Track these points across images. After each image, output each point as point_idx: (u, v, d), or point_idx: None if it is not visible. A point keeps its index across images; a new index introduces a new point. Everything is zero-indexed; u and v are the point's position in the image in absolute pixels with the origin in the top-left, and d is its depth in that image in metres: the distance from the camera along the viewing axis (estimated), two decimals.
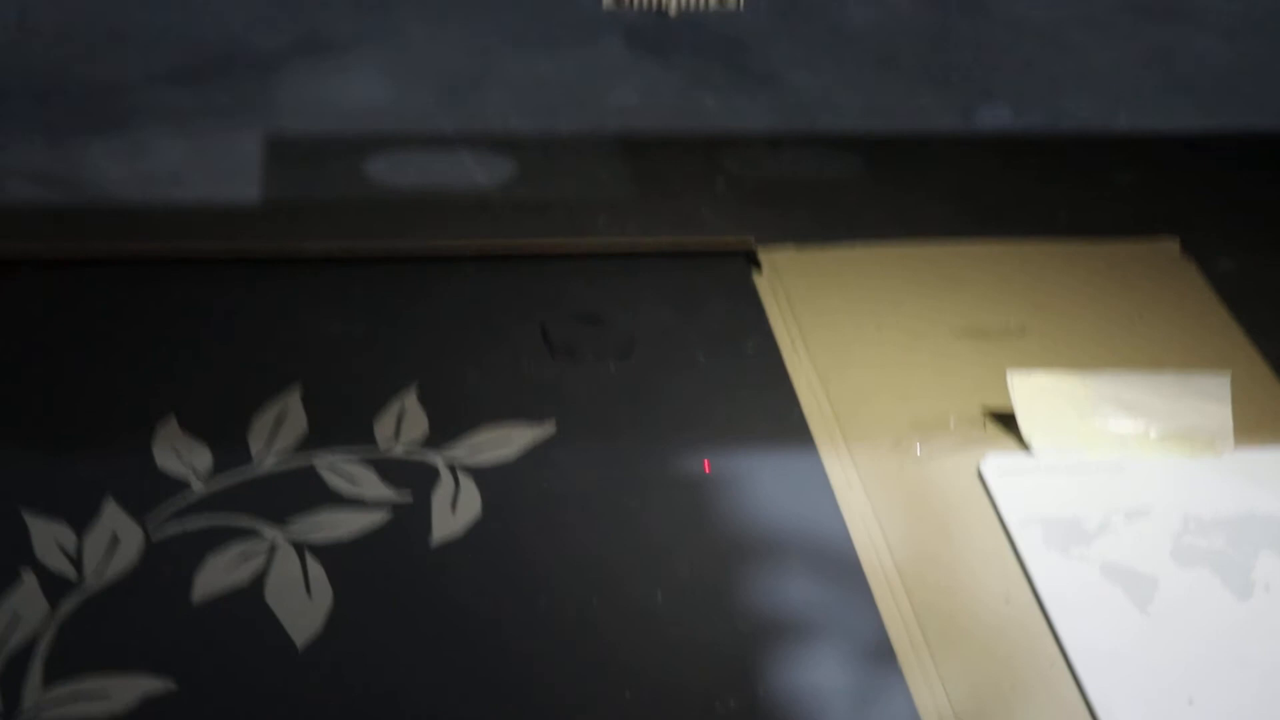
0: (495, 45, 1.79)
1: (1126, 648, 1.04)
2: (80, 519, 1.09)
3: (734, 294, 1.40)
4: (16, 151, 1.53)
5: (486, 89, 1.70)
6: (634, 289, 1.40)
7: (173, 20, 1.79)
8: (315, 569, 1.06)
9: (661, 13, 1.43)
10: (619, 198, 1.56)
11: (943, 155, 1.66)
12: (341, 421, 1.20)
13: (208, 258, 1.38)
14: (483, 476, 1.15)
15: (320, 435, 1.17)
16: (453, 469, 1.15)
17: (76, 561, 1.05)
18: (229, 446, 1.16)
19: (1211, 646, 1.04)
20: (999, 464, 1.19)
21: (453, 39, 1.79)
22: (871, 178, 1.61)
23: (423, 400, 1.22)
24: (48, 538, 1.07)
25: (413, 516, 1.11)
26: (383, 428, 1.19)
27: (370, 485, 1.14)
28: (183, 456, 1.14)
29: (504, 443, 1.18)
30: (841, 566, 1.10)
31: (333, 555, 1.07)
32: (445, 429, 1.19)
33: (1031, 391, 1.22)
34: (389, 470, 1.15)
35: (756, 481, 1.18)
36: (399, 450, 1.16)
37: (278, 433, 1.18)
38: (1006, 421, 1.22)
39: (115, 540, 1.08)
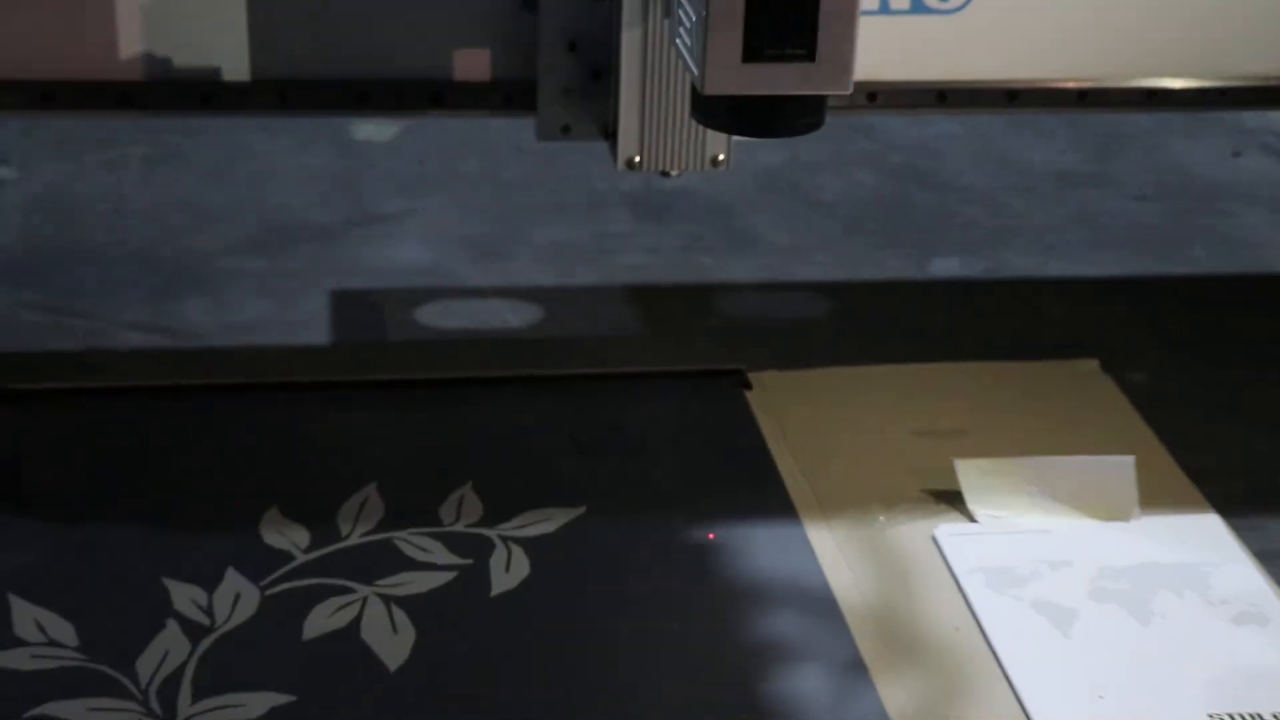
0: (521, 218, 2.05)
1: (1051, 661, 1.29)
2: (208, 583, 1.33)
3: (729, 407, 1.65)
4: (125, 308, 1.77)
5: (514, 252, 1.96)
6: (645, 404, 1.65)
7: (249, 202, 2.05)
8: (399, 614, 1.31)
9: (664, 173, 1.69)
10: (629, 335, 1.81)
11: (901, 297, 1.91)
12: (412, 508, 1.45)
13: (290, 386, 1.66)
14: (529, 545, 1.40)
15: (395, 518, 1.43)
16: (505, 540, 1.41)
17: (208, 612, 1.30)
18: (322, 528, 1.41)
19: (1117, 658, 1.29)
20: (949, 530, 1.45)
21: (485, 213, 2.05)
22: (841, 317, 1.86)
23: (478, 492, 1.47)
24: (184, 597, 1.31)
25: (475, 575, 1.36)
26: (446, 512, 1.44)
27: (439, 553, 1.39)
28: (285, 535, 1.40)
29: (545, 520, 1.43)
30: (822, 607, 1.35)
31: (413, 604, 1.32)
32: (497, 512, 1.44)
33: (974, 474, 1.49)
34: (453, 542, 1.40)
35: (752, 547, 1.43)
36: (460, 527, 1.42)
37: (360, 516, 1.43)
38: (954, 499, 1.49)
39: (237, 597, 1.32)
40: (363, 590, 1.34)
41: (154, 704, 1.21)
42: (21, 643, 1.27)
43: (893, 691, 1.26)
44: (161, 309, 1.81)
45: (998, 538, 1.45)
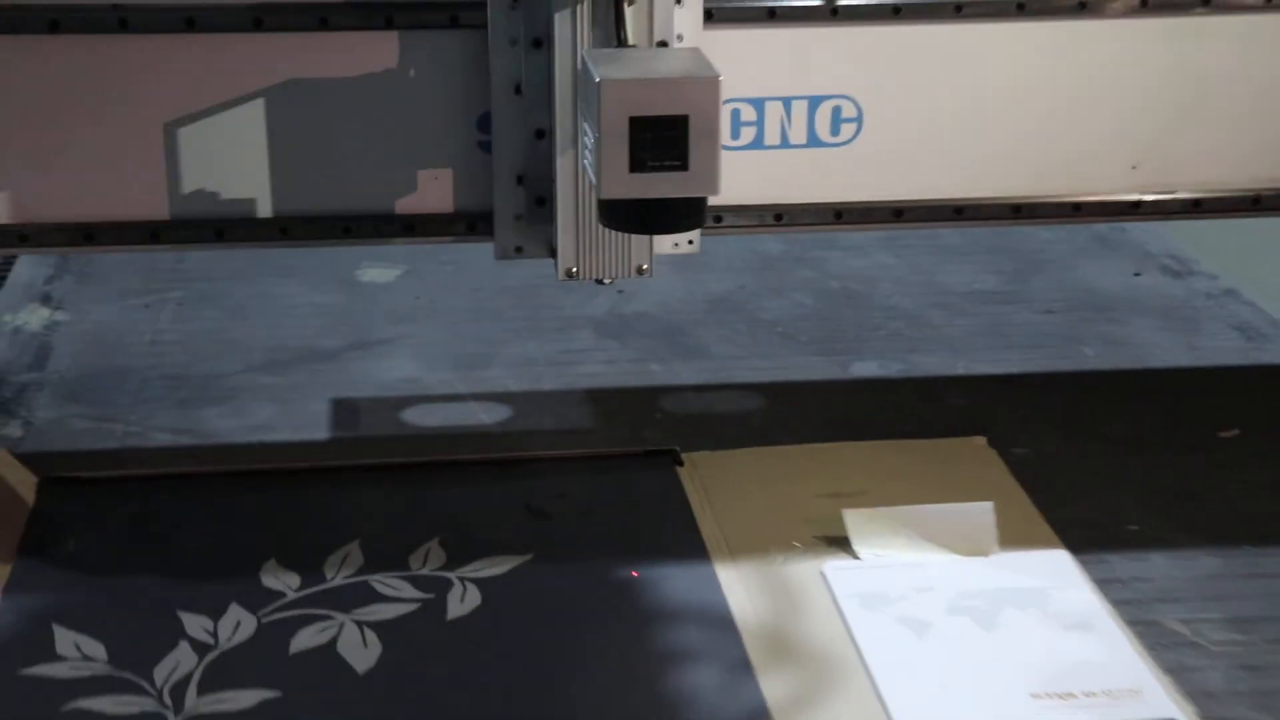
0: (499, 339, 2.26)
1: (907, 661, 1.52)
2: (215, 614, 1.59)
3: (662, 479, 1.89)
4: (156, 416, 2.01)
5: (491, 365, 2.18)
6: (591, 478, 1.89)
7: (266, 333, 2.28)
8: (369, 634, 1.57)
9: (599, 281, 1.92)
10: (585, 429, 2.03)
11: (823, 394, 2.12)
12: (387, 558, 1.69)
13: (289, 470, 1.91)
14: (482, 583, 1.65)
15: (371, 566, 1.67)
16: (461, 579, 1.66)
17: (214, 634, 1.56)
18: (311, 574, 1.66)
19: (963, 657, 1.53)
20: (835, 564, 1.69)
21: (468, 336, 2.27)
22: (770, 410, 2.07)
23: (443, 545, 1.71)
24: (195, 624, 1.57)
25: (434, 605, 1.61)
26: (414, 560, 1.68)
27: (406, 590, 1.64)
28: (280, 579, 1.66)
29: (497, 565, 1.68)
30: (722, 624, 1.60)
31: (381, 626, 1.57)
32: (457, 559, 1.69)
33: (859, 521, 1.72)
34: (418, 582, 1.65)
35: (668, 581, 1.68)
36: (425, 571, 1.67)
37: (343, 564, 1.68)
38: (844, 544, 1.72)
39: (238, 624, 1.58)
40: (341, 617, 1.60)
41: (166, 699, 1.47)
42: (61, 659, 1.54)
43: (772, 685, 1.50)
44: (187, 416, 2.05)
45: (875, 570, 1.69)
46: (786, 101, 1.92)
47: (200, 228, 1.90)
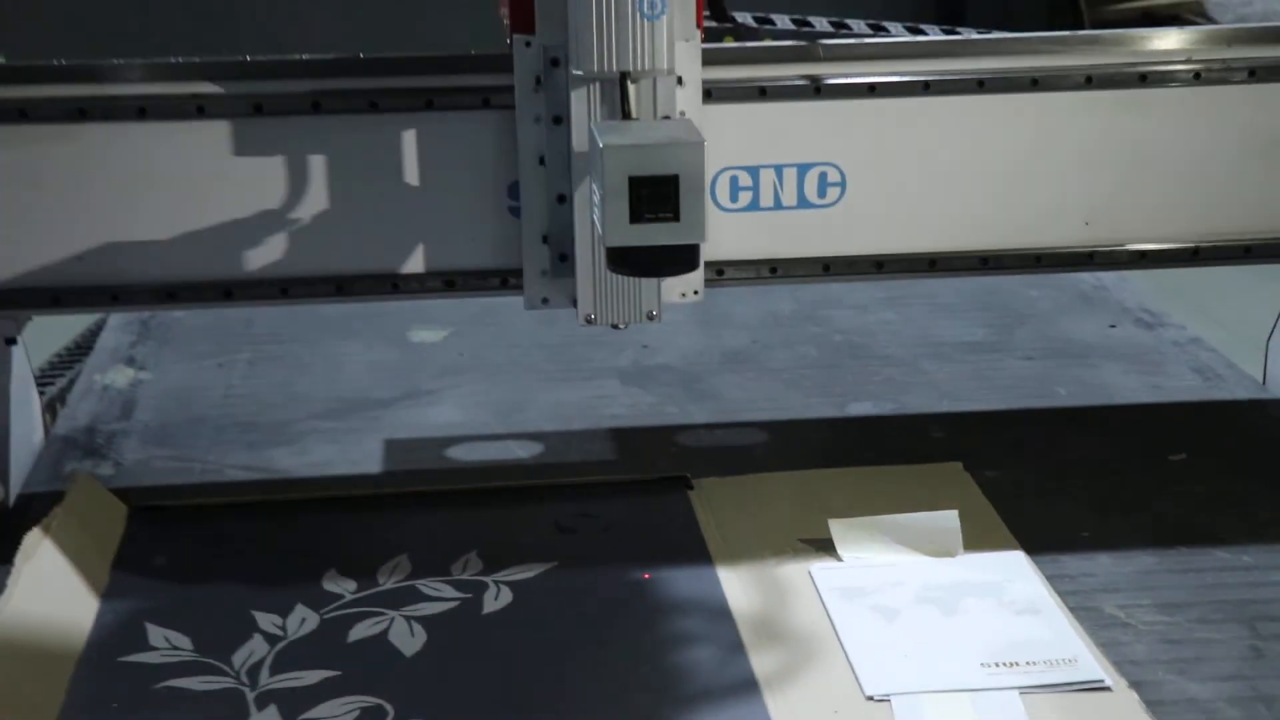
0: (534, 388, 2.43)
1: (877, 640, 1.72)
2: (283, 612, 1.80)
3: (675, 501, 2.08)
4: (229, 456, 2.21)
5: (526, 410, 2.36)
6: (612, 500, 2.08)
7: (326, 387, 2.46)
8: (416, 626, 1.79)
9: (614, 326, 1.99)
10: (608, 460, 2.21)
11: (821, 429, 2.30)
12: (432, 567, 1.90)
13: (348, 498, 2.11)
14: (514, 585, 1.85)
15: (418, 573, 1.88)
16: (496, 582, 1.87)
17: (282, 629, 1.77)
18: (366, 580, 1.88)
19: (925, 636, 1.73)
20: (820, 566, 1.89)
21: (507, 386, 2.44)
22: (772, 444, 2.25)
23: (480, 556, 1.92)
24: (266, 620, 1.79)
25: (472, 602, 1.82)
26: (455, 568, 1.90)
27: (448, 591, 1.85)
28: (339, 584, 1.88)
29: (527, 570, 1.89)
30: (719, 614, 1.81)
31: (426, 620, 1.78)
32: (493, 567, 1.89)
33: (842, 529, 1.92)
34: (459, 585, 1.85)
35: (675, 581, 1.88)
36: (465, 576, 1.89)
37: (393, 572, 1.90)
38: (830, 550, 1.91)
39: (303, 620, 1.80)
40: (391, 613, 1.81)
41: (244, 679, 1.69)
42: (153, 649, 1.75)
43: (761, 661, 1.70)
44: (256, 456, 2.25)
45: (855, 570, 1.89)
46: (778, 169, 2.08)
47: (267, 286, 2.05)
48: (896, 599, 1.84)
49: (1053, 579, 1.88)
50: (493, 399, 2.45)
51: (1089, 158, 2.11)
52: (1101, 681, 1.66)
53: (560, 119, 1.96)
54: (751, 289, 2.78)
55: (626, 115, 1.81)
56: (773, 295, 2.82)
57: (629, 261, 1.74)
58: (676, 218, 1.70)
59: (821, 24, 2.27)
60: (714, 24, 2.25)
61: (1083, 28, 5.97)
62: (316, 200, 2.05)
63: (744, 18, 2.28)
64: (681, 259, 1.75)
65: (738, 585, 1.88)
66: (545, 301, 2.04)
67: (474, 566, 1.94)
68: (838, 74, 2.08)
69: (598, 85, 1.88)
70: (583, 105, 1.90)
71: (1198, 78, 2.09)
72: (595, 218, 1.77)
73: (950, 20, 6.31)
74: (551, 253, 2.02)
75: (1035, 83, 2.08)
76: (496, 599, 1.87)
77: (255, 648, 1.77)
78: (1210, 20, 5.91)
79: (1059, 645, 1.73)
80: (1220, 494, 2.10)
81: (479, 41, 2.13)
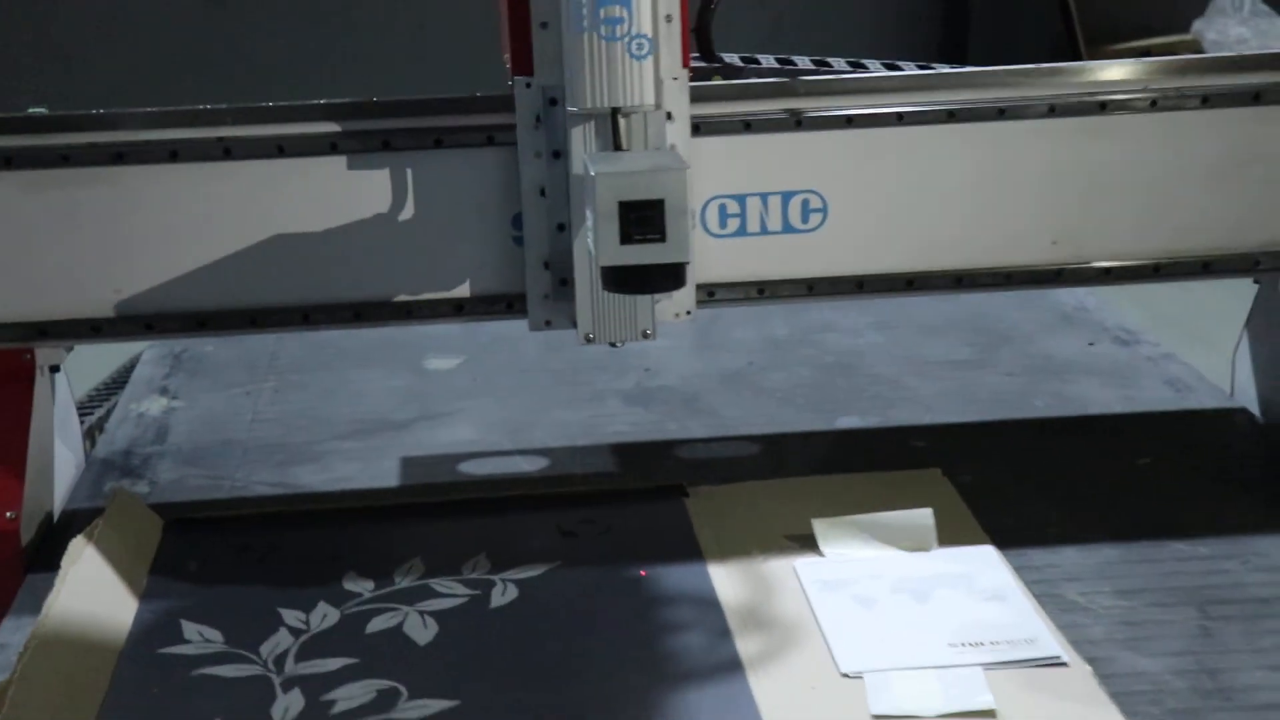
0: (542, 409, 2.54)
1: (854, 625, 1.83)
2: (307, 608, 1.92)
3: (672, 507, 2.18)
4: (256, 474, 2.32)
5: (534, 429, 2.46)
6: (613, 506, 2.18)
7: (347, 411, 2.57)
8: (429, 619, 1.90)
9: (612, 344, 2.05)
10: (609, 471, 2.32)
11: (810, 441, 2.40)
12: (444, 567, 2.01)
13: (368, 507, 2.23)
14: (519, 582, 1.97)
15: (431, 573, 1.99)
16: (503, 580, 1.99)
17: (306, 623, 1.89)
18: (383, 580, 1.99)
19: (898, 622, 1.84)
20: (804, 561, 2.00)
21: (516, 408, 2.55)
22: (764, 455, 2.35)
23: (489, 558, 2.03)
24: (291, 616, 1.90)
25: (480, 598, 1.94)
26: (466, 569, 2.01)
27: (457, 588, 1.96)
28: (358, 584, 1.99)
29: (532, 569, 2.00)
30: (708, 604, 1.92)
31: (438, 614, 1.90)
32: (500, 567, 2.00)
33: (825, 526, 2.03)
34: (468, 583, 1.96)
35: (669, 576, 1.99)
36: (475, 575, 2.01)
37: (408, 573, 2.02)
38: (814, 547, 2.03)
39: (325, 615, 1.92)
40: (406, 609, 1.93)
41: (271, 666, 1.81)
42: (188, 641, 1.88)
43: (746, 644, 1.82)
44: (282, 474, 2.36)
45: (836, 564, 2.00)
46: (764, 196, 2.16)
47: (290, 313, 2.15)
48: (874, 589, 1.95)
49: (1020, 569, 1.98)
50: (503, 419, 2.56)
51: (1054, 182, 2.20)
52: (1058, 658, 1.77)
53: (559, 153, 2.05)
54: (748, 315, 2.92)
55: (618, 147, 1.91)
56: (769, 321, 2.92)
57: (621, 280, 1.83)
58: (663, 238, 1.79)
59: (804, 62, 2.38)
60: (703, 64, 2.35)
61: None
62: (335, 233, 2.14)
63: (731, 58, 2.39)
64: (669, 276, 1.83)
65: (727, 580, 1.99)
66: (548, 323, 2.12)
67: (483, 567, 2.05)
68: (817, 108, 2.16)
69: (592, 121, 1.96)
70: (579, 140, 1.98)
71: (1154, 105, 2.18)
72: (589, 240, 1.87)
73: (955, 59, 6.43)
74: (553, 278, 2.11)
75: (1001, 112, 2.17)
76: (503, 595, 1.98)
77: (281, 640, 1.89)
78: None
79: (1021, 627, 1.84)
80: (1182, 494, 2.20)
81: (483, 83, 2.23)
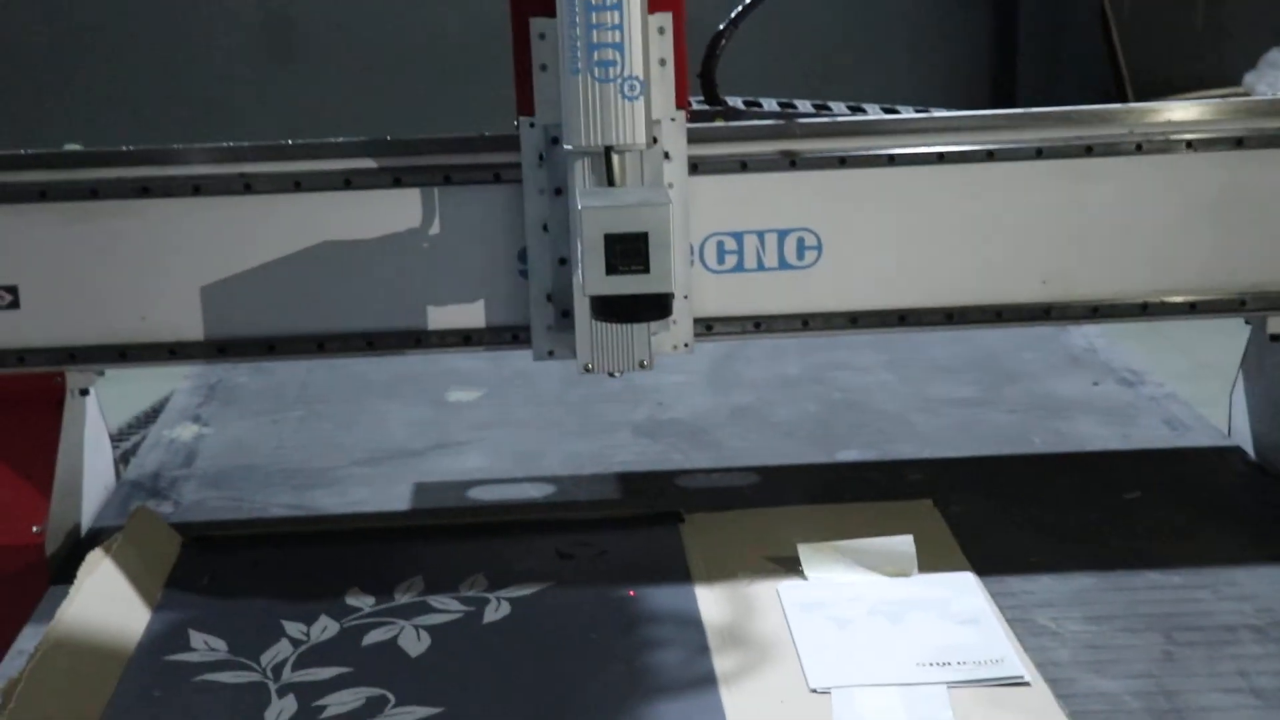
0: (554, 439, 2.60)
1: (828, 644, 1.88)
2: (309, 621, 1.99)
3: (667, 533, 2.22)
4: (276, 497, 2.39)
5: (545, 458, 2.52)
6: (610, 531, 2.23)
7: (367, 440, 2.64)
8: (423, 633, 1.96)
9: (610, 374, 2.09)
10: (612, 499, 2.37)
11: (808, 472, 2.44)
12: (442, 585, 2.06)
13: (375, 530, 2.31)
14: (513, 600, 2.03)
15: (429, 591, 2.04)
16: (497, 598, 2.04)
17: (306, 634, 1.95)
18: (384, 596, 2.05)
19: (871, 643, 1.89)
20: (788, 584, 2.05)
21: (529, 439, 2.61)
22: (763, 484, 2.40)
23: (487, 577, 2.08)
24: (293, 628, 1.98)
25: (474, 614, 2.00)
26: (464, 588, 2.07)
27: (453, 605, 2.02)
28: (359, 599, 2.05)
29: (527, 588, 2.05)
30: (691, 624, 1.97)
31: (432, 628, 1.96)
32: (497, 585, 2.06)
33: (809, 551, 2.08)
34: (464, 600, 2.02)
35: (656, 598, 2.04)
36: (471, 593, 2.06)
37: (408, 590, 2.08)
38: (800, 572, 2.08)
39: (325, 627, 1.97)
40: (402, 623, 1.99)
41: (268, 674, 1.87)
42: (193, 650, 1.94)
43: (722, 661, 1.87)
44: (299, 497, 2.43)
45: (818, 587, 2.04)
46: (760, 234, 2.22)
47: (306, 342, 2.23)
48: (851, 611, 1.99)
49: (996, 595, 2.02)
50: (515, 449, 2.62)
51: (1044, 222, 2.25)
52: (1021, 678, 1.81)
53: (561, 190, 2.11)
54: (762, 353, 2.99)
55: (613, 183, 1.97)
56: (783, 359, 2.99)
57: (608, 309, 1.90)
58: (647, 270, 1.85)
59: (805, 106, 2.43)
60: (706, 107, 2.41)
61: None
62: (348, 265, 2.21)
63: (735, 101, 2.44)
64: (654, 307, 1.90)
65: (711, 600, 2.04)
66: (551, 353, 2.19)
67: (480, 585, 2.11)
68: (811, 149, 2.22)
69: (588, 158, 2.02)
70: (578, 177, 2.03)
71: (1140, 149, 2.23)
72: (578, 271, 1.93)
73: (1003, 104, 6.42)
74: (555, 310, 2.17)
75: (991, 155, 2.23)
76: (496, 611, 2.04)
77: (281, 650, 1.95)
78: None
79: (989, 649, 1.88)
80: (1166, 527, 2.24)
81: (489, 124, 2.30)
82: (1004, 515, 2.29)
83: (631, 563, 2.18)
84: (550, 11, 2.01)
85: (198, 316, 2.24)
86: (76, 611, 1.97)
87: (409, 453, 2.63)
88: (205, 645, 1.99)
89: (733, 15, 2.40)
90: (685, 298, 2.18)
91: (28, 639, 2.00)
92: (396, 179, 2.21)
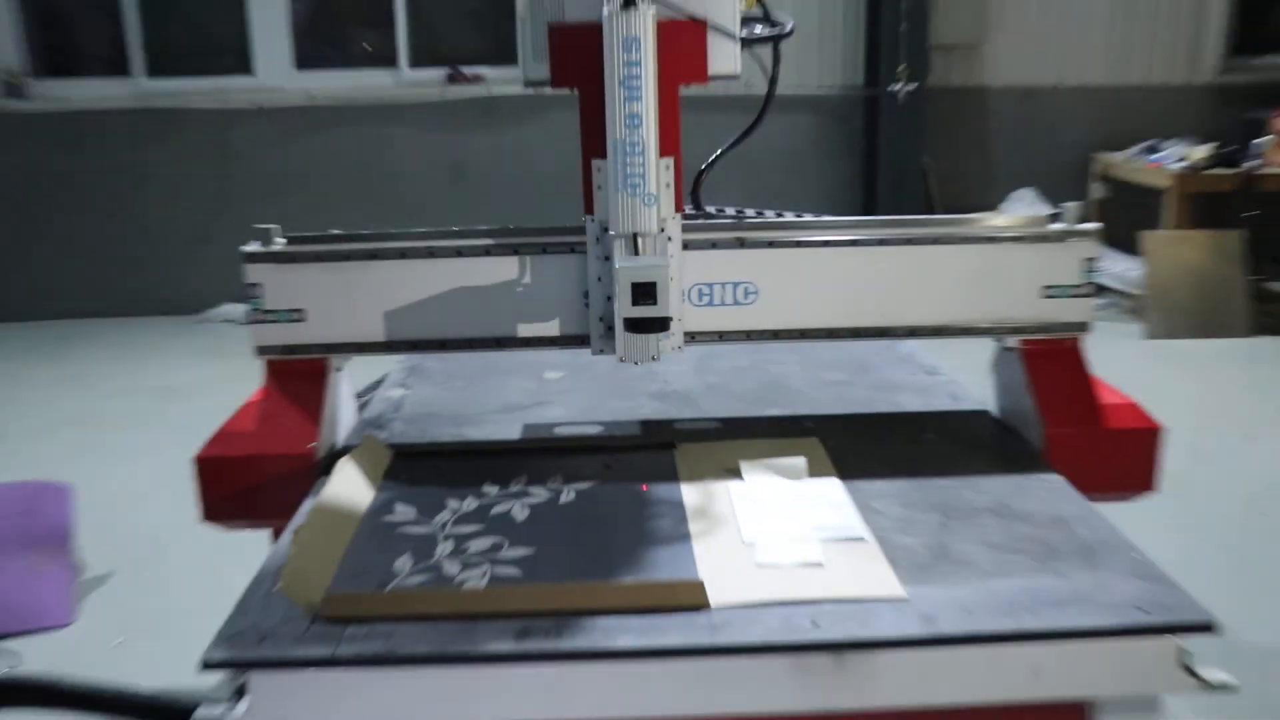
0: (608, 400, 2.57)
1: (755, 515, 1.92)
2: (459, 499, 2.03)
3: (666, 455, 2.22)
4: (444, 431, 2.40)
5: (597, 411, 2.50)
6: (634, 453, 2.20)
7: (496, 397, 2.61)
8: (525, 508, 1.99)
9: (634, 361, 2.02)
10: (637, 434, 2.35)
11: (749, 422, 2.41)
12: (536, 481, 2.09)
13: (500, 449, 2.30)
14: (578, 491, 2.05)
15: (530, 483, 2.08)
16: (568, 489, 2.05)
17: (459, 508, 2.00)
18: (503, 486, 2.07)
19: (776, 514, 1.95)
20: (734, 484, 2.04)
21: (592, 399, 2.59)
22: (723, 430, 2.37)
23: (562, 477, 2.10)
24: (451, 503, 2.02)
25: (553, 498, 2.02)
26: (549, 482, 2.09)
27: (543, 492, 2.04)
28: (489, 488, 2.08)
29: (583, 485, 2.07)
30: (677, 506, 1.98)
31: (531, 505, 2.00)
32: (568, 482, 2.08)
33: (746, 465, 2.08)
34: (549, 490, 2.07)
35: (659, 491, 2.05)
36: (552, 486, 2.07)
37: (517, 483, 2.09)
38: (740, 475, 2.12)
39: (469, 503, 2.01)
40: (512, 502, 2.01)
41: (437, 529, 1.92)
42: (396, 514, 1.99)
43: (694, 525, 1.89)
44: (458, 430, 2.42)
45: (751, 486, 2.05)
46: (723, 284, 2.23)
47: (461, 342, 2.25)
48: (769, 498, 2.01)
49: (852, 491, 2.04)
50: (581, 405, 2.60)
51: (883, 280, 2.24)
52: (861, 537, 1.86)
53: (608, 257, 2.14)
54: (729, 354, 2.96)
55: (637, 254, 2.02)
56: (736, 357, 2.95)
57: (633, 326, 1.95)
58: (655, 303, 1.91)
59: (750, 212, 2.43)
60: (694, 211, 2.45)
61: None
62: (486, 299, 2.24)
63: (710, 207, 2.48)
64: (660, 324, 1.94)
65: (690, 493, 2.06)
66: (601, 351, 2.21)
67: (557, 481, 2.12)
68: (754, 238, 2.25)
69: (623, 239, 2.04)
70: (619, 250, 2.05)
71: (937, 241, 2.23)
72: (617, 305, 1.97)
73: (866, 213, 6.47)
74: (603, 326, 2.21)
75: (855, 242, 2.25)
76: (566, 497, 2.06)
77: (444, 515, 1.99)
78: None
79: (844, 521, 1.91)
80: (946, 454, 2.21)
81: (570, 219, 2.30)
82: (857, 447, 2.28)
83: (645, 471, 2.18)
84: (603, 155, 2.05)
85: (402, 327, 2.27)
86: (330, 491, 2.03)
87: (520, 406, 2.63)
88: (402, 512, 2.03)
89: (710, 159, 2.43)
90: (679, 320, 2.22)
91: (305, 507, 2.06)
92: (514, 249, 2.24)
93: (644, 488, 2.09)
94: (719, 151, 2.43)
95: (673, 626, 1.55)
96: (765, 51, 2.26)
